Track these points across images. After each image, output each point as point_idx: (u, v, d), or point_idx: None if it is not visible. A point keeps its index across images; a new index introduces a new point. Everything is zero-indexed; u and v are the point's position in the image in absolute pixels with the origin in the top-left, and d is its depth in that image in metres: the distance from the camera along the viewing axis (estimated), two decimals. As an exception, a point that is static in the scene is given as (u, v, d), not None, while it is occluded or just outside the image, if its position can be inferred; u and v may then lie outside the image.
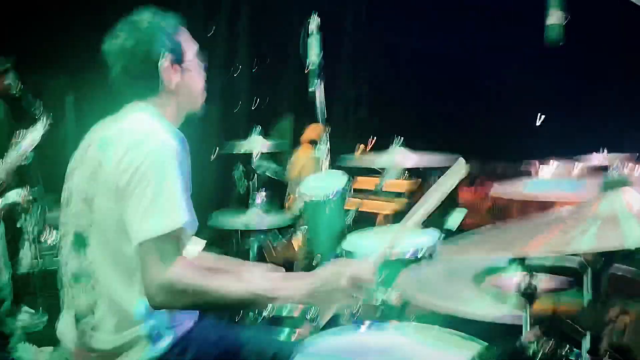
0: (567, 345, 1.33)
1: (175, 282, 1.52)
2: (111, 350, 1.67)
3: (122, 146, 1.62)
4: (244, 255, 4.48)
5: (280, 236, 3.81)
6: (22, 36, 6.88)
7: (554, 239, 0.99)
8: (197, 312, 1.87)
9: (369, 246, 2.44)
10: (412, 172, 9.63)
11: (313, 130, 6.17)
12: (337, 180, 2.78)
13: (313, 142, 6.16)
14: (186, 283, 1.54)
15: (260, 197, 3.79)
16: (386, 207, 8.79)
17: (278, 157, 8.05)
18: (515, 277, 1.24)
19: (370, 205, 9.03)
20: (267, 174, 3.33)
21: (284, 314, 2.13)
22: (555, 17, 1.34)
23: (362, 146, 10.08)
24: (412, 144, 2.97)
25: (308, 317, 2.10)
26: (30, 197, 3.99)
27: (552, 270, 1.52)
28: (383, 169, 2.99)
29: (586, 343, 1.10)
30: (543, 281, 1.22)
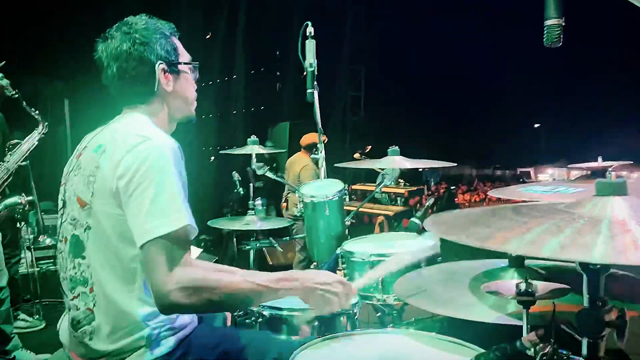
0: (565, 350, 1.33)
1: (189, 282, 1.53)
2: (110, 355, 1.67)
3: (119, 150, 1.62)
4: (241, 260, 4.49)
5: (277, 241, 3.81)
6: (17, 41, 6.87)
7: (529, 234, 0.99)
8: (196, 316, 1.88)
9: (367, 249, 2.44)
10: (408, 178, 9.66)
11: (311, 135, 6.20)
12: (335, 184, 2.79)
13: (311, 147, 6.19)
14: (200, 282, 1.55)
15: (258, 202, 3.80)
16: (382, 212, 8.82)
17: (275, 160, 8.07)
18: (513, 281, 1.24)
19: (367, 210, 9.07)
20: (267, 175, 3.33)
21: (284, 315, 2.13)
22: (553, 20, 1.34)
23: (358, 153, 10.11)
24: (407, 150, 2.98)
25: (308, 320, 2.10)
26: (27, 201, 3.98)
27: (550, 273, 1.52)
28: (379, 175, 2.99)
29: (584, 347, 1.10)
30: (541, 285, 1.22)
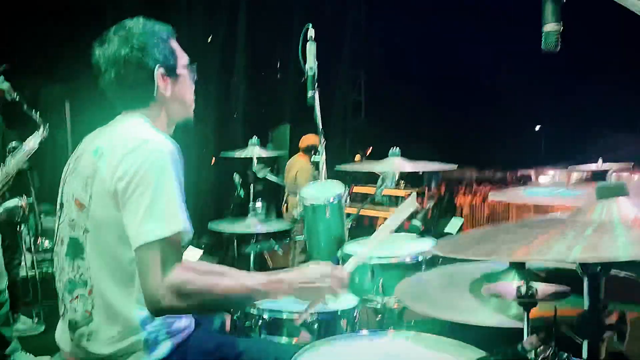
0: (566, 353, 1.33)
1: (181, 285, 1.54)
2: (107, 358, 1.67)
3: (118, 152, 1.62)
4: (242, 262, 4.48)
5: (277, 243, 3.81)
6: (17, 43, 6.88)
7: (542, 245, 0.99)
8: (194, 319, 1.87)
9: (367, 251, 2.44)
10: (409, 181, 9.67)
11: (310, 137, 6.21)
12: (336, 187, 2.78)
13: (309, 149, 6.20)
14: (191, 285, 1.56)
15: (258, 204, 3.80)
16: (384, 215, 8.82)
17: (276, 163, 8.08)
18: (514, 284, 1.24)
19: (368, 212, 9.07)
20: (268, 177, 3.33)
21: (284, 317, 2.13)
22: (551, 25, 1.34)
23: (358, 155, 10.11)
24: (408, 153, 2.97)
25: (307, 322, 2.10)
26: (27, 204, 3.98)
27: (551, 276, 1.52)
28: (380, 177, 2.99)
29: (585, 350, 1.10)
30: (542, 287, 1.22)
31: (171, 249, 1.55)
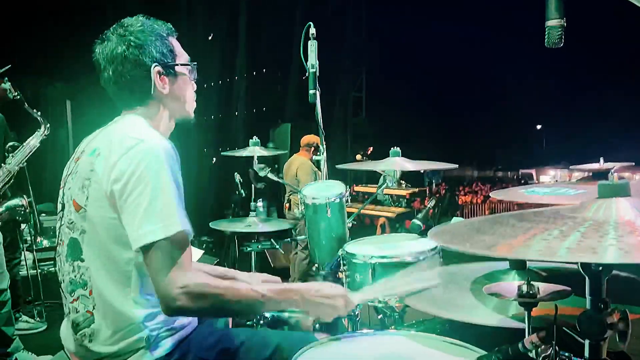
0: (567, 352, 1.33)
1: (194, 287, 1.54)
2: (110, 357, 1.67)
3: (114, 153, 1.62)
4: (243, 261, 4.48)
5: (278, 242, 3.81)
6: (19, 43, 6.89)
7: (534, 241, 0.99)
8: (196, 318, 1.87)
9: (369, 251, 2.44)
10: (410, 180, 9.67)
11: (310, 136, 6.24)
12: (337, 186, 2.78)
13: (309, 145, 6.22)
14: (204, 288, 1.56)
15: (259, 204, 3.80)
16: (385, 214, 8.83)
17: (277, 162, 8.09)
18: (515, 283, 1.24)
19: (369, 211, 9.08)
20: (269, 176, 3.32)
21: (285, 316, 2.13)
22: (555, 21, 1.34)
23: (359, 155, 10.11)
24: (409, 152, 2.97)
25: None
26: (28, 203, 3.99)
27: (552, 275, 1.52)
28: (381, 176, 2.99)
29: (586, 349, 1.10)
30: (542, 287, 1.22)
31: (176, 248, 1.55)
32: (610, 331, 1.07)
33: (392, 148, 2.95)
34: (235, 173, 4.43)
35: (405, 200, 9.29)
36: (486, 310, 1.42)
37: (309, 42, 3.09)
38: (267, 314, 2.16)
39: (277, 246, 3.71)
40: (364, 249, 2.50)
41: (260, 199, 3.88)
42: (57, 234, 1.81)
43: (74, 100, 8.27)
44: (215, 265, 2.73)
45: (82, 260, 1.68)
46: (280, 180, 3.73)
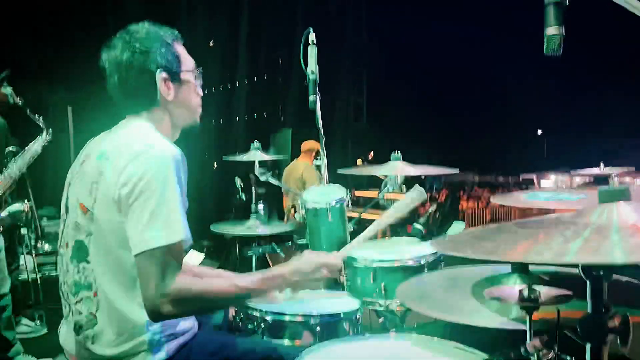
0: (568, 356, 1.33)
1: (179, 293, 1.56)
2: (112, 360, 1.67)
3: (123, 157, 1.63)
4: (244, 265, 4.48)
5: (279, 246, 3.82)
6: (20, 48, 6.90)
7: (538, 246, 1.00)
8: (197, 322, 1.88)
9: (370, 255, 2.44)
10: (411, 185, 9.67)
11: (311, 142, 6.24)
12: (338, 191, 2.79)
13: (310, 150, 6.22)
14: (188, 292, 1.58)
15: (260, 207, 3.81)
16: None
17: (277, 167, 8.09)
18: (517, 287, 1.24)
19: (370, 216, 9.05)
20: (269, 181, 3.33)
21: (286, 319, 2.13)
22: (554, 29, 1.35)
23: (360, 159, 10.11)
24: (410, 157, 2.98)
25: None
26: (29, 208, 4.00)
27: (554, 279, 1.52)
28: (382, 181, 3.00)
29: (587, 353, 1.10)
30: (544, 291, 1.22)
31: (172, 257, 1.57)
32: (611, 335, 1.07)
33: (393, 153, 2.96)
34: (236, 178, 4.43)
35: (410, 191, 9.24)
36: (488, 313, 1.42)
37: (309, 47, 3.10)
38: (268, 318, 2.16)
39: (278, 250, 3.72)
40: (364, 252, 2.51)
41: (261, 203, 3.88)
42: (60, 236, 1.82)
43: (75, 106, 8.28)
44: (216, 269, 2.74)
45: (88, 262, 1.69)
46: (281, 185, 3.74)
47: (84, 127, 7.60)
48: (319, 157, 3.29)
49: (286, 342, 2.11)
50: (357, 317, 2.26)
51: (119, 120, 1.87)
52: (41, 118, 4.18)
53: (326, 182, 3.21)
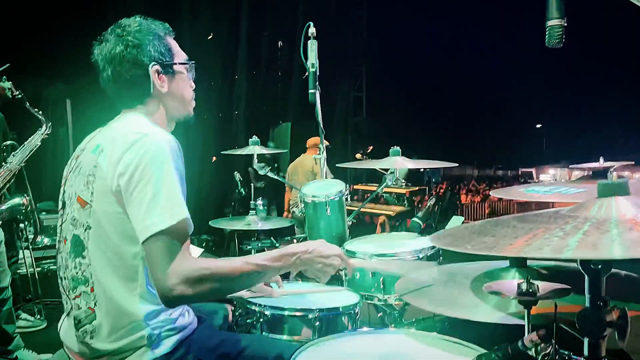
0: (566, 350, 1.33)
1: (190, 273, 1.55)
2: (111, 355, 1.67)
3: (118, 148, 1.63)
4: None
5: (278, 241, 3.82)
6: (19, 42, 6.89)
7: (537, 240, 0.99)
8: (196, 319, 1.88)
9: (368, 249, 2.45)
10: (410, 179, 9.68)
11: (316, 138, 6.23)
12: (337, 184, 2.79)
13: (315, 147, 6.22)
14: (200, 271, 1.58)
15: (259, 202, 3.81)
16: (384, 212, 8.83)
17: (277, 161, 8.10)
18: (515, 282, 1.24)
19: (369, 210, 9.08)
20: (269, 175, 3.33)
21: (285, 314, 2.13)
22: (555, 20, 1.34)
23: (359, 154, 10.12)
24: (409, 151, 2.98)
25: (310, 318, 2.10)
26: (29, 201, 4.00)
27: (552, 273, 1.52)
28: (381, 175, 3.00)
29: (585, 347, 1.10)
30: (542, 285, 1.22)
31: (177, 238, 1.57)
32: (609, 329, 1.07)
33: (392, 147, 2.96)
34: (235, 172, 4.44)
35: (405, 198, 9.30)
36: (486, 308, 1.42)
37: (309, 41, 3.10)
38: (267, 312, 2.16)
39: (278, 245, 3.72)
40: (363, 247, 2.51)
41: (260, 198, 3.89)
42: (59, 231, 1.82)
43: (74, 100, 8.27)
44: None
45: (84, 257, 1.69)
46: (281, 179, 3.73)
47: (82, 120, 7.60)
48: (318, 151, 3.28)
49: (285, 336, 2.11)
50: (356, 311, 2.26)
51: (118, 113, 1.88)
52: (41, 112, 4.17)
53: (327, 176, 3.22)
